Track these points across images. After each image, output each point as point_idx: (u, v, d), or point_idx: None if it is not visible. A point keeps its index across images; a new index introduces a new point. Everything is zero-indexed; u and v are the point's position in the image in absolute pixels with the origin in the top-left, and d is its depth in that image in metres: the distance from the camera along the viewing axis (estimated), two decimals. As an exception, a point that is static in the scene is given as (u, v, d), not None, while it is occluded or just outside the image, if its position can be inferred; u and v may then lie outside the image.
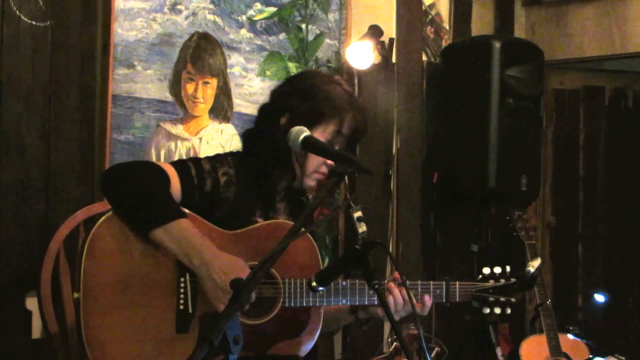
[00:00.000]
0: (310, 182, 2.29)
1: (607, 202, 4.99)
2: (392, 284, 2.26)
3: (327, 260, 3.86)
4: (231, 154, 2.33)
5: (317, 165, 2.26)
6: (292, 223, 2.22)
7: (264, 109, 2.36)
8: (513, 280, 2.36)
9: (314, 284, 1.97)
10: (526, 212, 4.22)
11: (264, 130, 2.30)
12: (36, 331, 2.93)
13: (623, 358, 3.58)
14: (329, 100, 2.26)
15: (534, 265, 2.32)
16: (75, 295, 2.04)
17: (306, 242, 2.22)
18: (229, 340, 1.51)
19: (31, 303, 2.86)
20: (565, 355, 3.75)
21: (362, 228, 3.55)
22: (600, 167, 5.01)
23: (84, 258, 2.03)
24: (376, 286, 1.86)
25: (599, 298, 4.76)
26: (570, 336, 3.80)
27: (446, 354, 3.93)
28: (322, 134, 2.24)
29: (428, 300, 2.29)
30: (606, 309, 4.86)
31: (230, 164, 2.24)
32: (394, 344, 3.78)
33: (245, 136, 2.40)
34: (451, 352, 3.94)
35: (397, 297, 2.24)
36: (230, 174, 2.22)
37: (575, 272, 4.98)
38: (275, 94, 2.37)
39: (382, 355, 3.84)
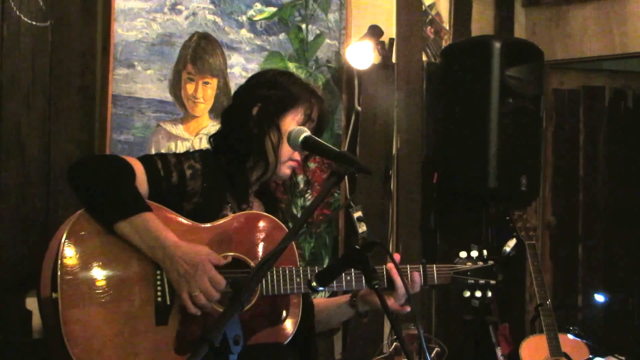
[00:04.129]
0: (286, 170, 2.33)
1: (607, 202, 4.99)
2: (390, 264, 2.29)
3: (327, 260, 3.86)
4: (199, 150, 2.36)
5: (291, 152, 2.29)
6: (264, 214, 2.26)
7: (231, 108, 2.40)
8: (490, 262, 2.38)
9: (314, 284, 1.97)
10: (526, 212, 4.22)
11: (235, 126, 2.32)
12: (36, 331, 2.93)
13: (623, 358, 3.59)
14: (296, 87, 2.33)
15: (509, 244, 2.35)
16: (54, 295, 2.02)
17: (279, 230, 2.24)
18: (229, 340, 1.51)
19: (31, 303, 2.86)
20: (565, 355, 3.75)
21: (362, 228, 3.56)
22: (600, 167, 5.01)
23: (59, 255, 2.02)
24: (376, 286, 1.86)
25: (599, 298, 4.77)
26: (570, 336, 3.80)
27: (446, 354, 3.93)
28: (293, 119, 2.29)
29: (417, 276, 2.34)
30: (606, 309, 4.86)
31: (197, 159, 2.26)
32: (394, 344, 3.78)
33: (214, 139, 2.40)
34: (451, 352, 3.94)
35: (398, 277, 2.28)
36: (196, 167, 2.23)
37: (575, 272, 4.98)
38: (238, 92, 2.42)
39: (382, 355, 3.84)
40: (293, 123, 2.27)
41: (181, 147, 3.37)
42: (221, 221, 2.20)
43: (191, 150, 2.36)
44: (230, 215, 2.22)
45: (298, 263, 2.25)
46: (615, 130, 5.02)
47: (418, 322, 2.01)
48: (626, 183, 4.98)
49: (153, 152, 3.28)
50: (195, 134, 3.42)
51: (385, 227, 4.09)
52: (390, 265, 2.30)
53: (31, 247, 2.90)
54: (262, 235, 2.22)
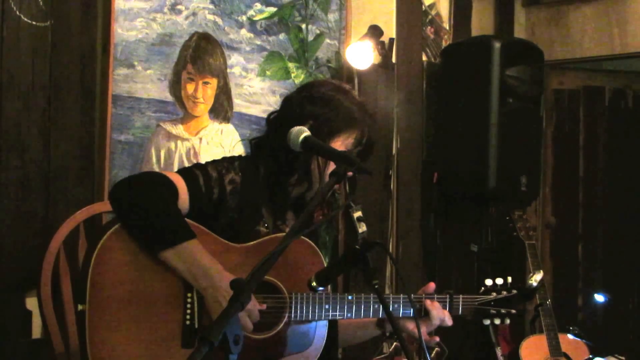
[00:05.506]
0: None
1: (607, 202, 4.99)
2: (428, 301, 2.29)
3: (327, 260, 3.86)
4: (239, 158, 2.29)
5: None
6: (303, 237, 2.20)
7: (279, 118, 2.30)
8: (514, 292, 2.37)
9: (313, 284, 1.97)
10: (526, 212, 4.22)
11: (283, 139, 2.19)
12: (36, 331, 2.93)
13: (623, 358, 3.59)
14: (351, 109, 2.25)
15: (536, 279, 2.33)
16: (80, 307, 2.01)
17: (313, 255, 2.21)
18: (229, 340, 1.51)
19: (31, 303, 2.86)
20: (565, 355, 3.75)
21: (362, 228, 3.54)
22: (600, 167, 5.01)
23: (91, 270, 2.00)
24: (376, 286, 1.86)
25: (599, 298, 4.76)
26: (570, 336, 3.80)
27: (446, 354, 3.93)
28: (343, 143, 2.23)
29: (429, 304, 2.30)
30: (606, 309, 4.86)
31: (237, 170, 2.21)
32: (394, 344, 3.78)
33: (257, 144, 2.34)
34: (451, 352, 3.93)
35: (437, 310, 2.28)
36: (237, 181, 2.19)
37: (575, 272, 4.98)
38: (290, 102, 2.31)
39: (382, 355, 3.84)
40: (342, 147, 2.21)
41: (181, 147, 3.36)
42: (257, 242, 2.17)
43: (230, 157, 2.28)
44: (267, 237, 2.18)
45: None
46: (615, 130, 5.01)
47: (418, 322, 2.01)
48: (626, 183, 4.98)
49: (153, 152, 3.28)
50: (195, 133, 3.42)
51: (385, 227, 4.09)
52: (427, 302, 2.29)
53: (31, 247, 2.89)
54: (295, 259, 2.17)
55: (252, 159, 2.32)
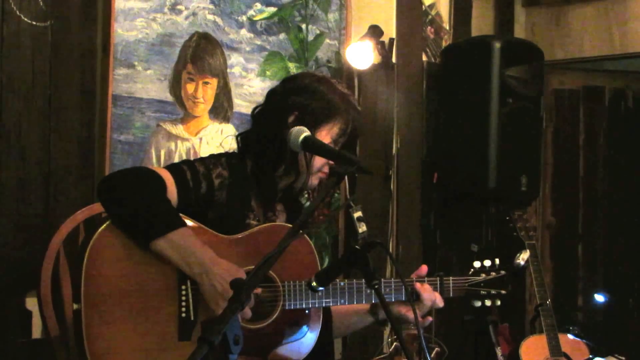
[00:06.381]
0: (315, 181, 2.29)
1: (607, 202, 4.99)
2: (418, 284, 2.31)
3: (327, 260, 3.86)
4: (225, 154, 2.31)
5: (322, 164, 2.26)
6: (290, 225, 2.21)
7: (264, 112, 2.33)
8: (503, 272, 2.40)
9: (314, 284, 1.97)
10: (526, 212, 4.22)
11: (269, 132, 2.25)
12: (36, 331, 2.93)
13: (623, 358, 3.59)
14: (335, 99, 2.27)
15: (523, 257, 2.37)
16: (75, 306, 2.01)
17: (304, 243, 2.22)
18: (229, 340, 1.51)
19: (31, 303, 2.86)
20: (565, 355, 3.75)
21: (362, 228, 3.56)
22: (600, 167, 5.01)
23: (84, 268, 2.00)
24: (376, 286, 1.86)
25: (599, 298, 4.77)
26: (570, 336, 3.80)
27: (446, 354, 3.93)
28: (328, 133, 2.25)
29: (420, 287, 2.31)
30: (606, 309, 4.86)
31: (224, 165, 2.22)
32: (394, 344, 3.78)
33: (243, 138, 2.36)
34: (451, 352, 3.94)
35: (428, 292, 2.29)
36: (224, 175, 2.20)
37: (575, 272, 4.98)
38: (274, 95, 2.33)
39: (382, 355, 3.84)
40: (327, 137, 2.23)
41: (181, 147, 3.37)
42: (247, 233, 2.18)
43: (217, 154, 2.30)
44: (256, 227, 2.20)
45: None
46: (615, 130, 5.02)
47: (418, 322, 2.01)
48: (626, 183, 4.98)
49: (153, 152, 3.28)
50: (195, 133, 3.42)
51: (385, 227, 4.09)
52: (417, 285, 2.32)
53: (31, 247, 2.90)
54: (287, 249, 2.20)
55: (239, 153, 2.34)
